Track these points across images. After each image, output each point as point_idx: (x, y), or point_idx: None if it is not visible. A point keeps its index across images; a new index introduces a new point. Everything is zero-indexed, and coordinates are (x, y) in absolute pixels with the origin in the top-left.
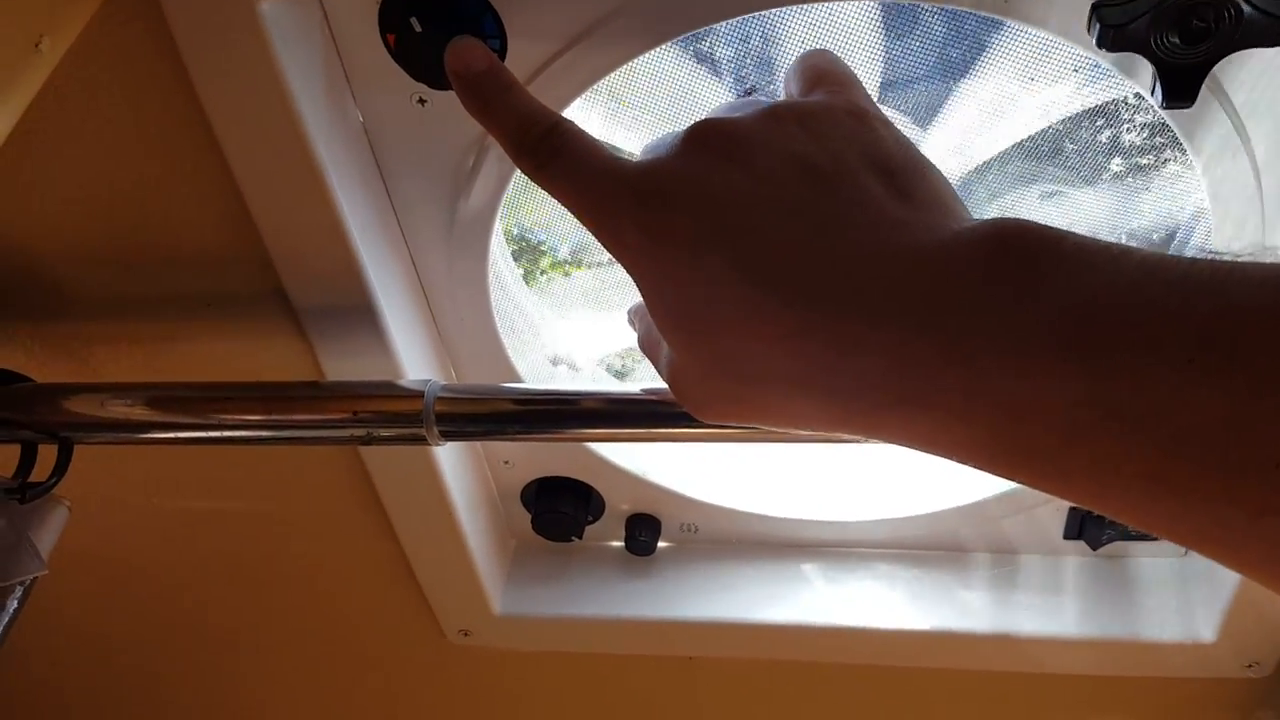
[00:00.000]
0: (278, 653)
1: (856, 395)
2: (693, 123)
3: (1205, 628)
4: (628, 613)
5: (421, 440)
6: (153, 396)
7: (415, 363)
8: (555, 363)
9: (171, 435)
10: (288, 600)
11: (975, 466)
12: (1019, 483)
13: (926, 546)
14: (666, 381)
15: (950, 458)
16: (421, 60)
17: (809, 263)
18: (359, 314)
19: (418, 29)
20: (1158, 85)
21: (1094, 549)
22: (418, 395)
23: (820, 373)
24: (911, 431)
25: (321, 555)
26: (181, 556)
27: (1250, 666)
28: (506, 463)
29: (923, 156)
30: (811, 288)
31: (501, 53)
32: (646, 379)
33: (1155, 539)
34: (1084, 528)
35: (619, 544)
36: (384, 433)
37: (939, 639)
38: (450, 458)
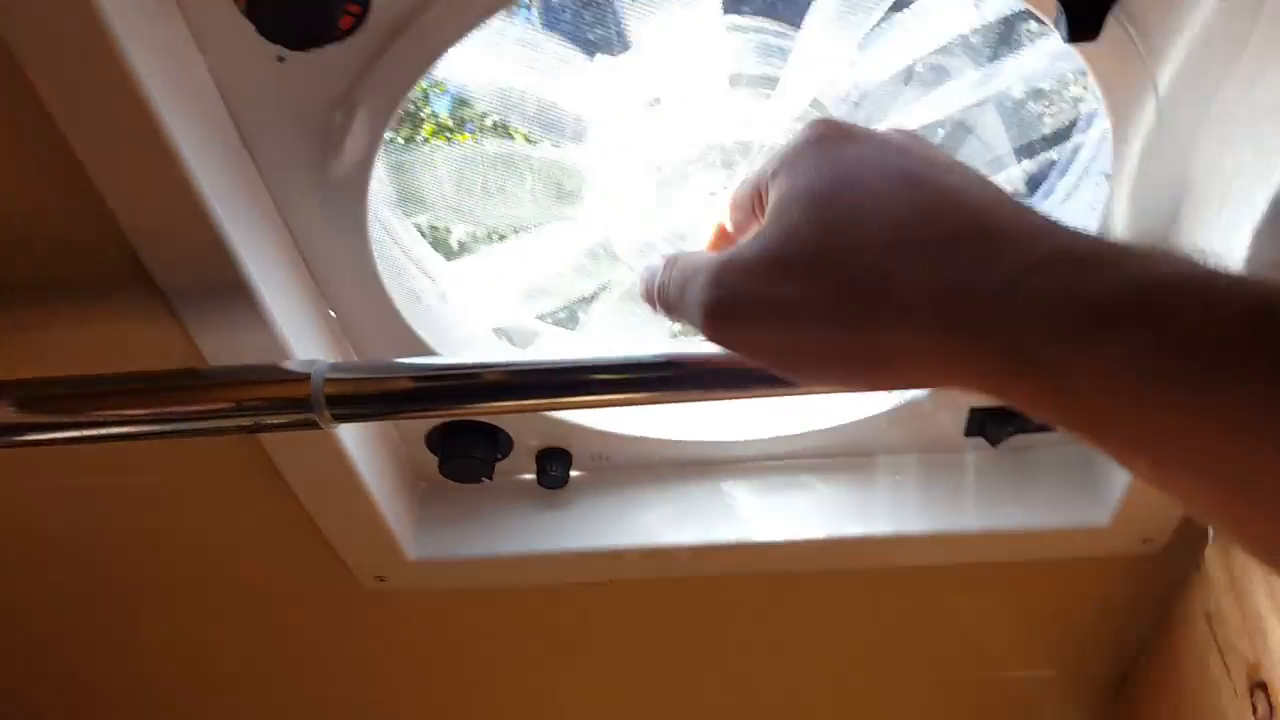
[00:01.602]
0: (192, 616)
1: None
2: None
3: (1103, 511)
4: (545, 546)
5: (313, 425)
6: (22, 397)
7: (303, 338)
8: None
9: (47, 436)
10: (195, 566)
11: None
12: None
13: (836, 454)
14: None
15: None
16: (274, 18)
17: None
18: (232, 291)
19: None
20: (1062, 18)
21: (994, 445)
22: (303, 378)
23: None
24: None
25: (224, 520)
26: (80, 529)
27: (1145, 542)
28: None
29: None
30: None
31: (364, 9)
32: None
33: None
34: (984, 426)
35: (530, 477)
36: (272, 420)
37: (853, 543)
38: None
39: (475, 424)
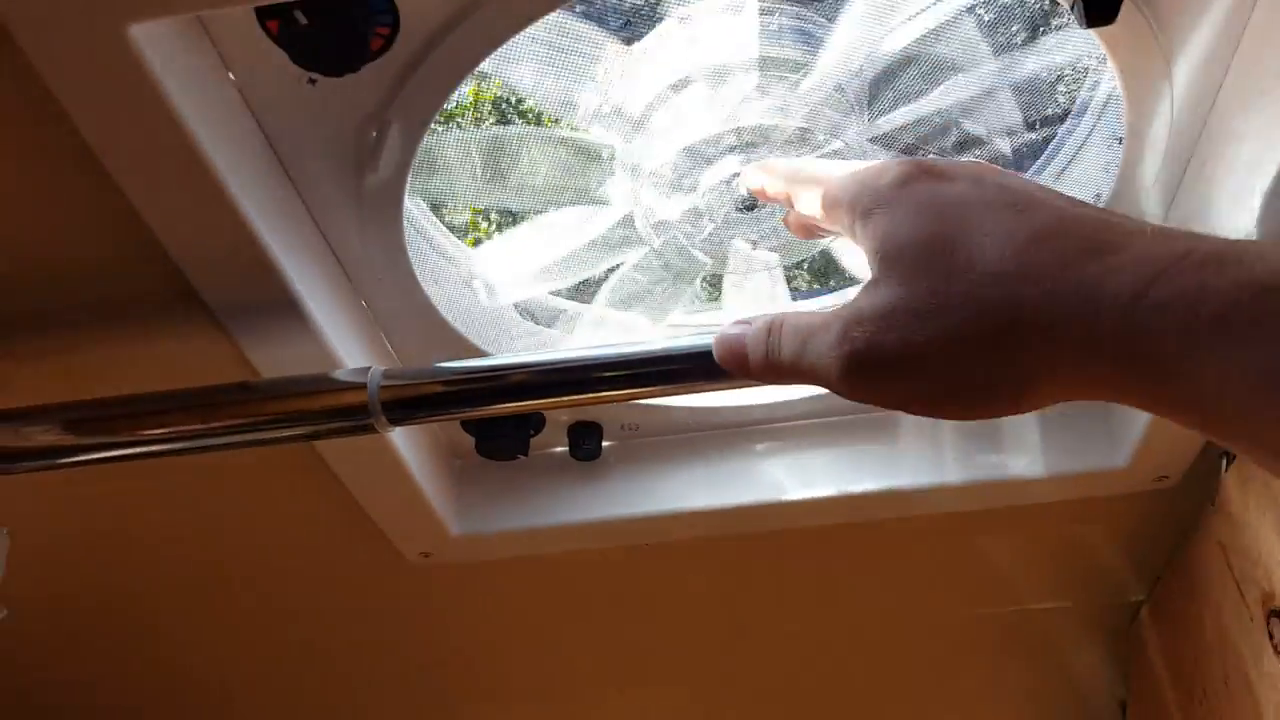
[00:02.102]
0: (244, 605)
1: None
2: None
3: (1120, 453)
4: (582, 517)
5: (370, 430)
6: (72, 419)
7: (349, 345)
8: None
9: (100, 456)
10: (245, 557)
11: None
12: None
13: (860, 411)
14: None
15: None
16: (305, 45)
17: None
18: (280, 306)
19: (302, 21)
20: (1078, 4)
21: None
22: (360, 386)
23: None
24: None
25: (272, 512)
26: (125, 528)
27: (1160, 479)
28: None
29: None
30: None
31: (394, 30)
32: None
33: None
34: None
35: (564, 450)
36: (330, 427)
37: (880, 497)
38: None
39: None
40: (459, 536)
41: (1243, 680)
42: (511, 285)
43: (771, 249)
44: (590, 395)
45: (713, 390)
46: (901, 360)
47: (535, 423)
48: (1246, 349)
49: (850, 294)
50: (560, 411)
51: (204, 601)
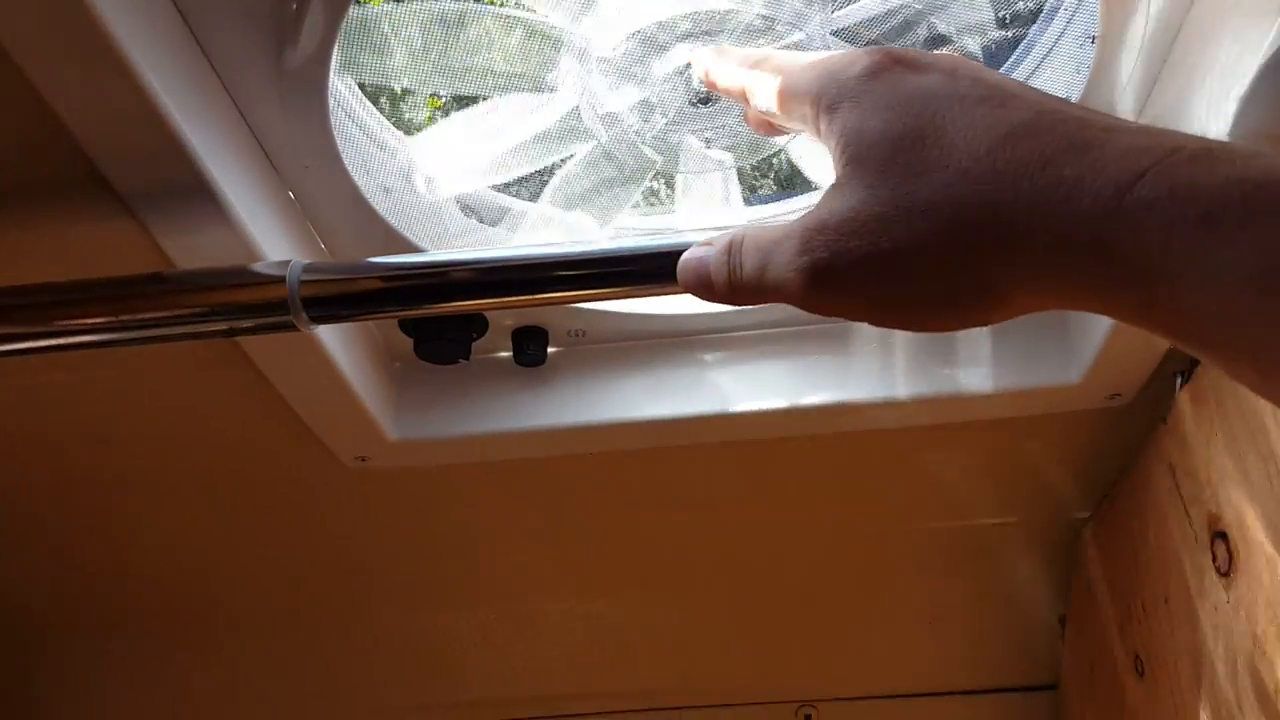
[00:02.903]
0: (173, 503)
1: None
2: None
3: (1073, 369)
4: (525, 424)
5: (290, 328)
6: None
7: (270, 234)
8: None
9: (6, 348)
10: (173, 455)
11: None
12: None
13: (809, 322)
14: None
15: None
16: None
17: None
18: (194, 192)
19: None
20: None
21: None
22: (279, 280)
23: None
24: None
25: (199, 411)
26: (48, 423)
27: (1113, 397)
28: None
29: None
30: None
31: None
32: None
33: None
34: None
35: (508, 355)
36: (247, 324)
37: (827, 410)
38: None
39: None
40: (396, 442)
41: (1184, 599)
42: (452, 178)
43: (726, 148)
44: (533, 296)
45: (671, 294)
46: (866, 269)
47: (478, 326)
48: (1235, 248)
49: (814, 199)
50: (505, 315)
51: (134, 502)
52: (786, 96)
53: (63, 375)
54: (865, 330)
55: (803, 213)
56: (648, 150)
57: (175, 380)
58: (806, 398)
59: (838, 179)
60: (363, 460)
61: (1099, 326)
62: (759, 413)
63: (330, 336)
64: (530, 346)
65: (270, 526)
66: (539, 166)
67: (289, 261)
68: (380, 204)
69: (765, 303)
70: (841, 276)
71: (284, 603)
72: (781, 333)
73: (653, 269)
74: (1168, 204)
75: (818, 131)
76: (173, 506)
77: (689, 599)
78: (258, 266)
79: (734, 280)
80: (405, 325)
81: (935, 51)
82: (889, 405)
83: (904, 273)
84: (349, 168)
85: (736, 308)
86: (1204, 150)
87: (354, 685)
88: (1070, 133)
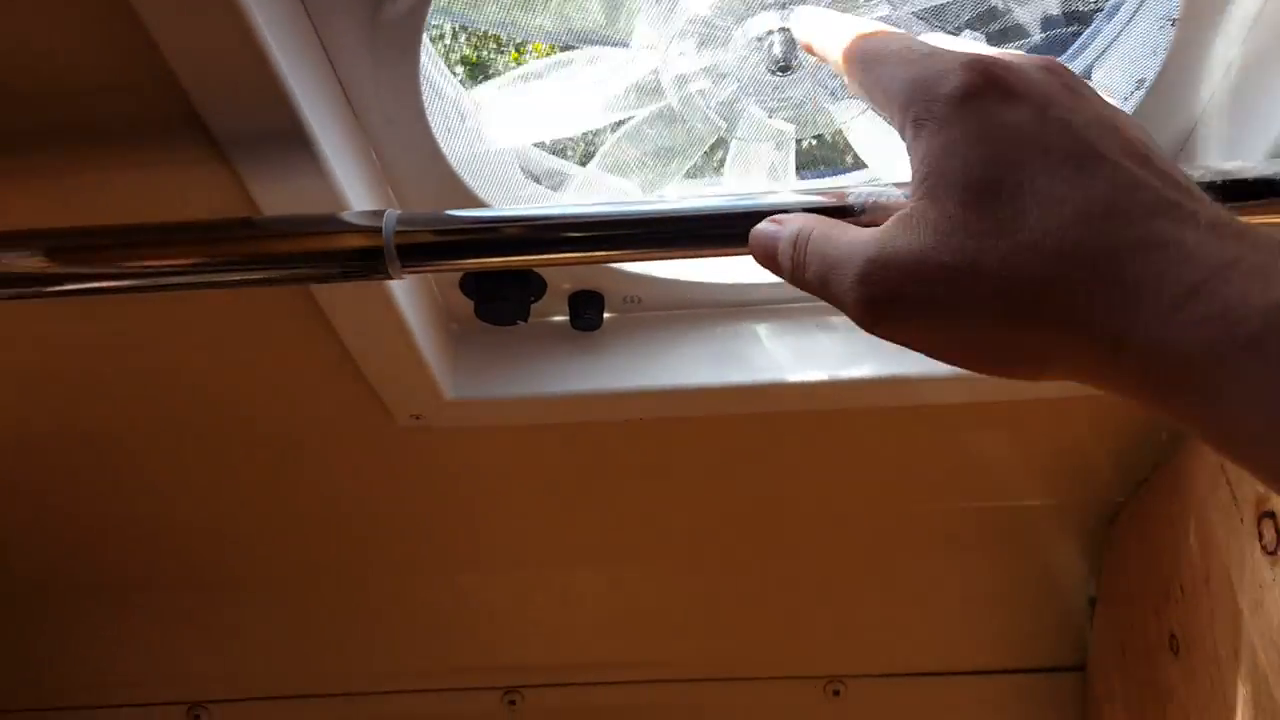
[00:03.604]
0: (226, 455)
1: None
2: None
3: None
4: (579, 387)
5: (383, 275)
6: (56, 246)
7: (356, 189)
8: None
9: (87, 286)
10: (230, 406)
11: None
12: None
13: None
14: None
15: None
16: None
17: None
18: (289, 139)
19: None
20: None
21: None
22: (375, 230)
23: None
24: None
25: (262, 361)
26: (105, 366)
27: None
28: None
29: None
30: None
31: None
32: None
33: None
34: None
35: (564, 319)
36: (341, 270)
37: (874, 383)
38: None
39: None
40: (453, 401)
41: (1224, 579)
42: (520, 127)
43: (788, 119)
44: (618, 252)
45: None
46: (921, 317)
47: (536, 288)
48: (1270, 374)
49: (862, 177)
50: (562, 279)
51: (185, 449)
52: (877, 92)
53: (125, 323)
54: None
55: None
56: (713, 114)
57: (241, 329)
58: (855, 370)
59: (911, 210)
60: (417, 419)
61: None
62: (808, 384)
63: (400, 292)
64: (586, 311)
65: (311, 484)
66: (604, 123)
67: (382, 211)
68: (457, 162)
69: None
70: (896, 318)
71: (318, 563)
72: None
73: (733, 233)
74: (1219, 323)
75: (901, 135)
76: (213, 461)
77: (721, 571)
78: (351, 215)
79: (796, 275)
80: (466, 286)
81: (1032, 67)
82: (936, 381)
83: (958, 330)
84: (432, 124)
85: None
86: (1261, 267)
87: (386, 646)
88: (1141, 219)
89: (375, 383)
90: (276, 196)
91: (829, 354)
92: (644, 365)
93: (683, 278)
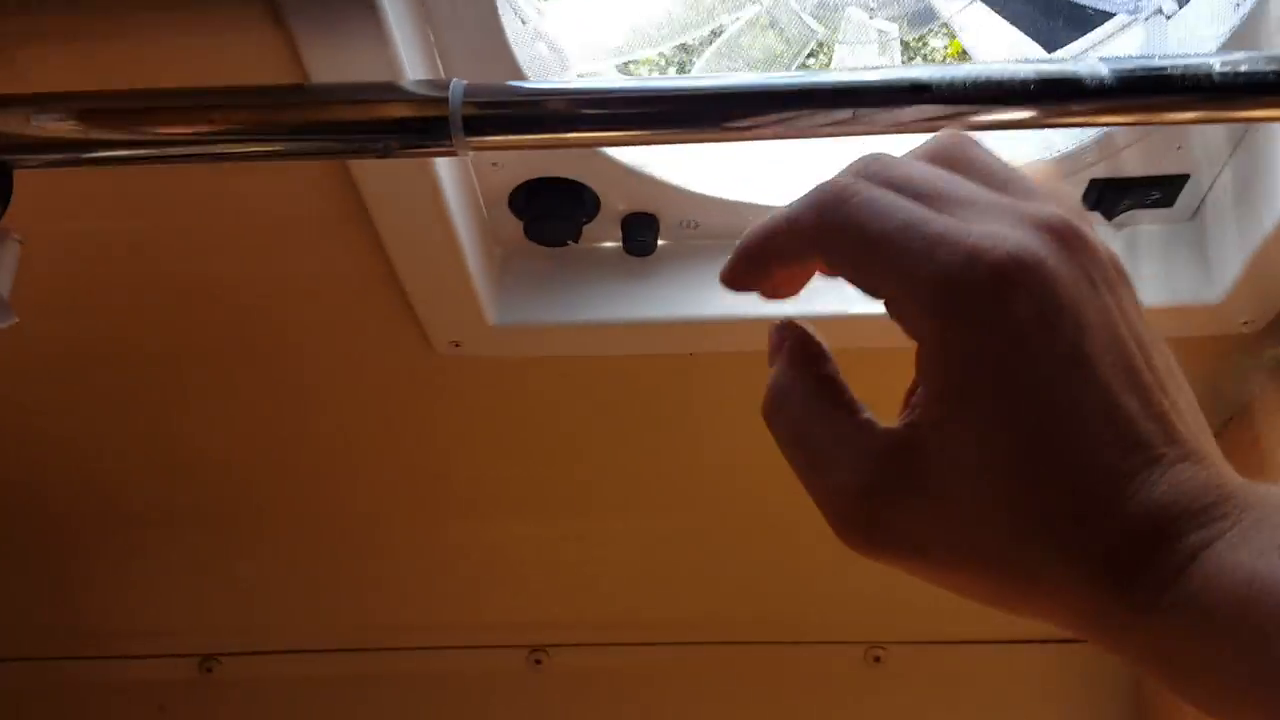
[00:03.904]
0: (241, 375)
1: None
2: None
3: (1214, 289)
4: (628, 315)
5: (446, 148)
6: (93, 108)
7: (413, 61)
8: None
9: (124, 154)
10: (264, 319)
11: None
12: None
13: None
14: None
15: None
16: None
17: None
18: (352, 3)
19: None
20: None
21: (1109, 219)
22: (440, 99)
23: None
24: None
25: (301, 271)
26: (144, 278)
27: (1246, 324)
28: (495, 164)
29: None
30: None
31: None
32: None
33: (1168, 206)
34: (1101, 198)
35: (614, 245)
36: (399, 140)
37: None
38: (440, 160)
39: (562, 183)
40: (496, 327)
41: None
42: (602, 41)
43: (890, 18)
44: (700, 131)
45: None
46: (911, 551)
47: (589, 205)
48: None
49: None
50: (617, 198)
51: (208, 368)
52: (881, 285)
53: (159, 220)
54: None
55: None
56: (809, 19)
57: (281, 234)
58: None
59: (922, 426)
60: (456, 346)
61: (1240, 247)
62: (878, 317)
63: (453, 200)
64: (641, 234)
65: (337, 414)
66: (696, 34)
67: (448, 80)
68: (520, 55)
69: None
70: (883, 552)
71: (338, 503)
72: None
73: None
74: (1195, 596)
75: (902, 321)
76: (235, 383)
77: (762, 529)
78: (413, 84)
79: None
80: (515, 203)
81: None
82: None
83: (940, 568)
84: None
85: None
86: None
87: (405, 599)
88: (1141, 502)
89: (416, 301)
90: (333, 66)
91: None
92: (699, 294)
93: (743, 199)
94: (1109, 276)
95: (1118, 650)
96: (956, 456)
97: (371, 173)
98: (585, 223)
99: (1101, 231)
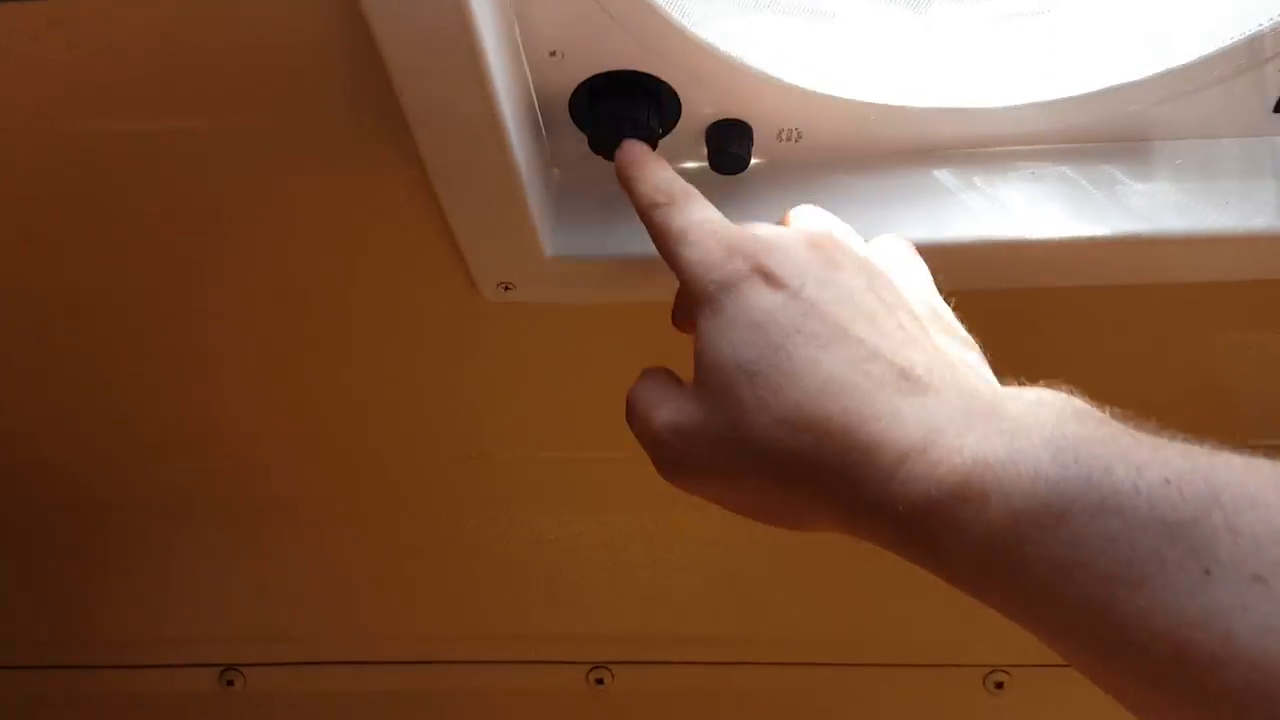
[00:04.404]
0: (266, 329)
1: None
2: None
3: None
4: None
5: None
6: None
7: None
8: None
9: None
10: (283, 254)
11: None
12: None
13: (1092, 138)
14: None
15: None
16: None
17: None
18: None
19: None
20: None
21: None
22: None
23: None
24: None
25: (334, 199)
26: (141, 198)
27: None
28: (553, 53)
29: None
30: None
31: None
32: None
33: None
34: None
35: (697, 164)
36: None
37: (1114, 246)
38: (491, 41)
39: (636, 79)
40: (553, 260)
41: None
42: None
43: None
44: None
45: None
46: (705, 478)
47: (668, 109)
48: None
49: None
50: (702, 101)
51: (225, 321)
52: (675, 262)
53: (170, 122)
54: (1165, 150)
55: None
56: None
57: (315, 145)
58: (1082, 228)
59: (695, 381)
60: (507, 289)
61: None
62: (1013, 242)
63: (506, 102)
64: (731, 146)
65: (373, 380)
66: None
67: None
68: None
69: None
70: (688, 478)
71: (377, 487)
72: (1058, 150)
73: None
74: (925, 482)
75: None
76: (262, 335)
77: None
78: None
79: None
80: (577, 109)
81: (800, 240)
82: (1183, 241)
83: (739, 493)
84: None
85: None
86: (969, 427)
87: (447, 606)
88: (869, 393)
89: (462, 232)
90: None
91: (1046, 208)
92: None
93: (860, 98)
94: (841, 257)
95: (873, 537)
96: (716, 424)
97: (404, 49)
98: (662, 134)
99: None
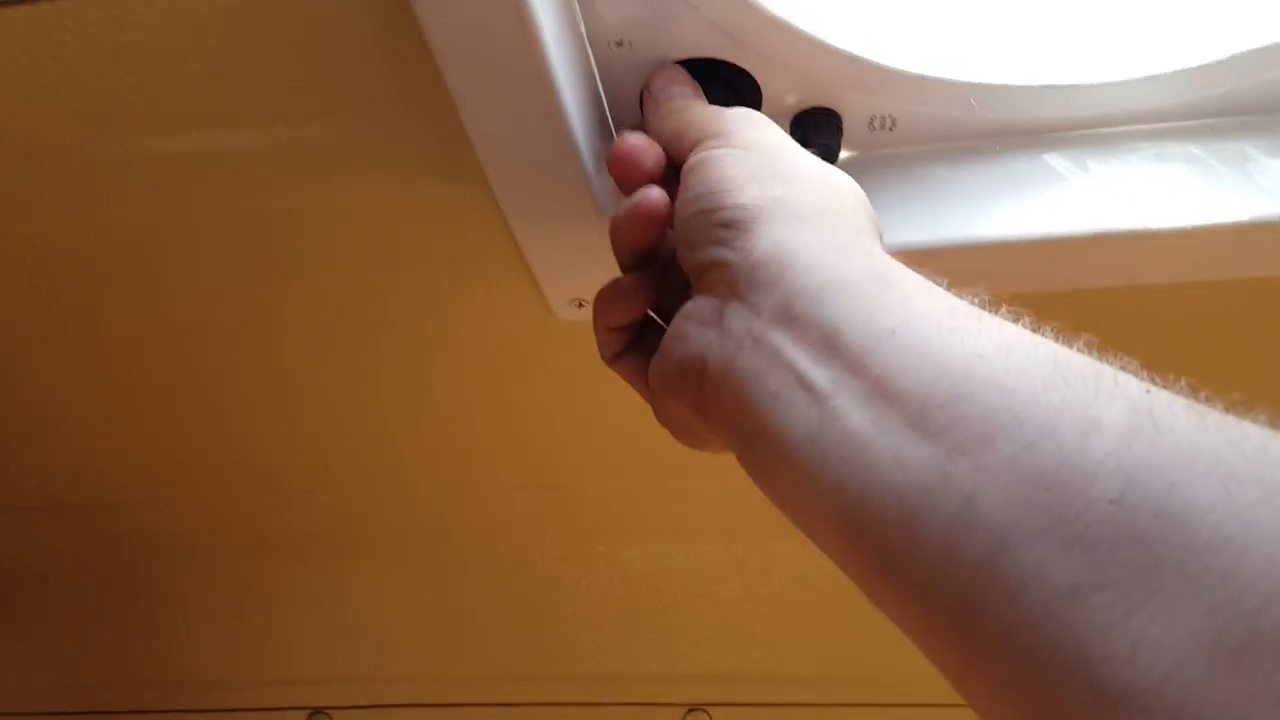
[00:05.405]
0: (348, 347)
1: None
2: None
3: None
4: None
5: None
6: None
7: None
8: None
9: None
10: (345, 277)
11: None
12: None
13: (1223, 112)
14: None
15: None
16: None
17: None
18: None
19: None
20: None
21: None
22: None
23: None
24: None
25: (397, 216)
26: (184, 220)
27: None
28: (620, 43)
29: None
30: None
31: None
32: None
33: None
34: None
35: None
36: None
37: (1250, 234)
38: (550, 33)
39: (713, 66)
40: None
41: None
42: None
43: None
44: None
45: None
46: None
47: (748, 97)
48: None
49: None
50: (785, 88)
51: (281, 341)
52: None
53: (194, 142)
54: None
55: None
56: None
57: (368, 158)
58: (1218, 216)
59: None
60: (580, 306)
61: None
62: (1141, 235)
63: (571, 100)
64: (819, 137)
65: (455, 405)
66: None
67: None
68: None
69: None
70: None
71: (462, 520)
72: (1178, 128)
73: None
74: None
75: None
76: (332, 369)
77: None
78: None
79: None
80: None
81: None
82: None
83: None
84: None
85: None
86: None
87: (535, 644)
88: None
89: (526, 238)
90: None
91: (1172, 192)
92: (899, 216)
93: (964, 78)
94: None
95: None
96: None
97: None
98: None
99: None
